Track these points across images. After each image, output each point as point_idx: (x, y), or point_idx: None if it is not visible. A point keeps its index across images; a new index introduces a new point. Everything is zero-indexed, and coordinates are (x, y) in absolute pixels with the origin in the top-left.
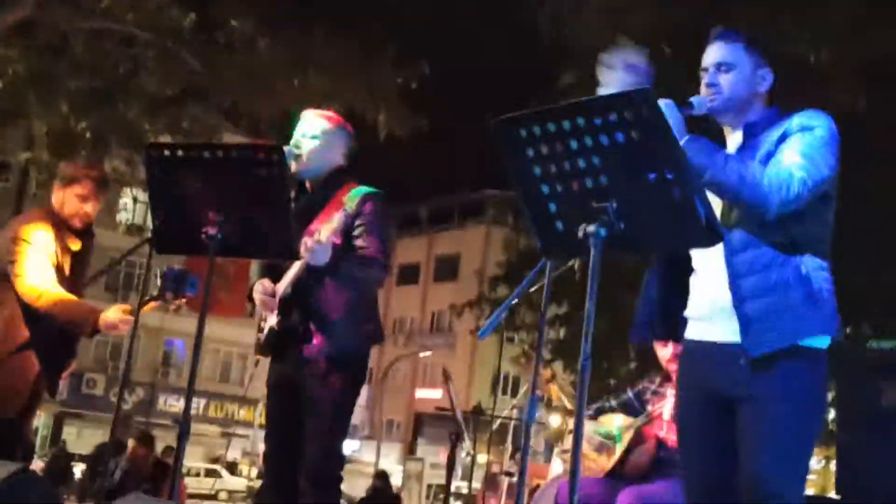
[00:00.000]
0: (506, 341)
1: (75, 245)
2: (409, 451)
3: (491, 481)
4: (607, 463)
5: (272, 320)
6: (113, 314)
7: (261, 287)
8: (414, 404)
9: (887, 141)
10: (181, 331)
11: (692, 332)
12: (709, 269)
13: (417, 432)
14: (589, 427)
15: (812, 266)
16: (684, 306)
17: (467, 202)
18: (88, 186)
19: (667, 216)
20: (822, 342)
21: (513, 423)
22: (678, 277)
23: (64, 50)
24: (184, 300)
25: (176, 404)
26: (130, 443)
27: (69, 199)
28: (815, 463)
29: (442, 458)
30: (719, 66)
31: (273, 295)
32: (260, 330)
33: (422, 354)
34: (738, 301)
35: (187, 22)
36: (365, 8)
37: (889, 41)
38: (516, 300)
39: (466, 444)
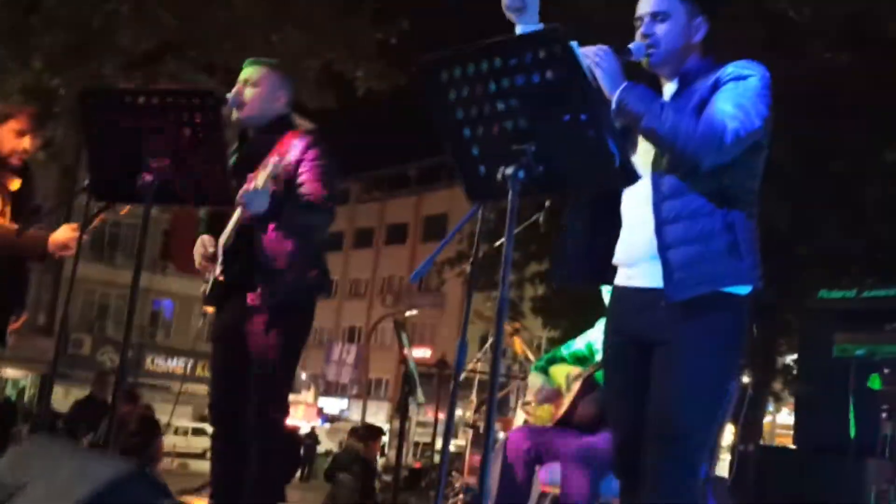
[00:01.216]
0: (491, 299)
1: (14, 184)
2: (397, 410)
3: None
4: (556, 412)
5: (216, 271)
6: (62, 233)
7: (201, 248)
8: (402, 362)
9: (866, 96)
10: (169, 291)
11: (619, 279)
12: (636, 215)
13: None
14: (537, 379)
15: (738, 216)
16: (611, 250)
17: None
18: (23, 120)
19: (583, 158)
20: (743, 290)
21: (477, 376)
22: (605, 221)
23: (36, 4)
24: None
25: (164, 364)
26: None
27: (5, 136)
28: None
29: (429, 416)
30: (654, 16)
31: (213, 257)
32: (205, 281)
33: (408, 313)
34: (663, 247)
35: None
36: None
37: None
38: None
39: (419, 395)
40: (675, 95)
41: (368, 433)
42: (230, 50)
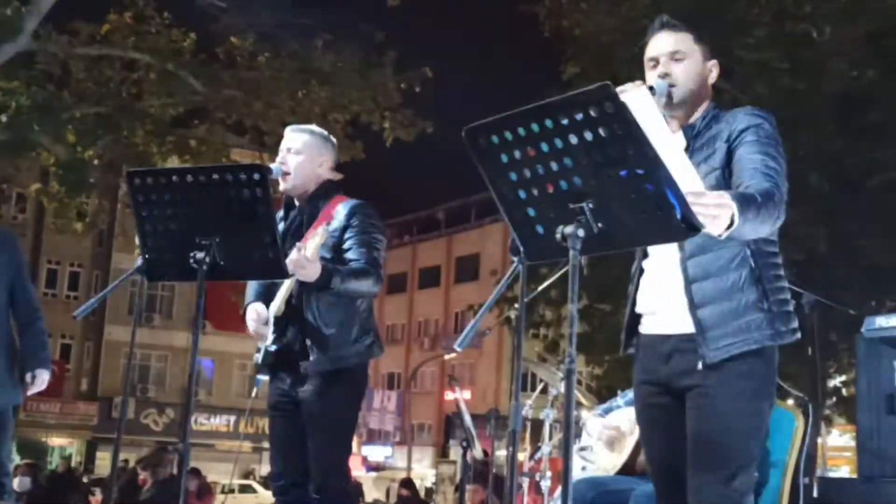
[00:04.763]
0: (531, 337)
1: None
2: (441, 454)
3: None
4: (618, 459)
5: (268, 339)
6: None
7: (254, 314)
8: (443, 406)
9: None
10: (207, 349)
11: (644, 327)
12: (661, 270)
13: (448, 434)
14: (598, 422)
15: (765, 266)
16: None
17: (483, 201)
18: None
19: (643, 212)
20: (776, 341)
21: (529, 422)
22: None
23: (65, 79)
24: None
25: (206, 423)
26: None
27: None
28: (850, 439)
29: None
30: (672, 55)
31: (266, 322)
32: (258, 350)
33: (447, 357)
34: (694, 307)
35: (188, 43)
36: (364, 15)
37: (888, 13)
38: (492, 307)
39: (477, 450)
40: (688, 149)
41: None
42: (258, 109)
